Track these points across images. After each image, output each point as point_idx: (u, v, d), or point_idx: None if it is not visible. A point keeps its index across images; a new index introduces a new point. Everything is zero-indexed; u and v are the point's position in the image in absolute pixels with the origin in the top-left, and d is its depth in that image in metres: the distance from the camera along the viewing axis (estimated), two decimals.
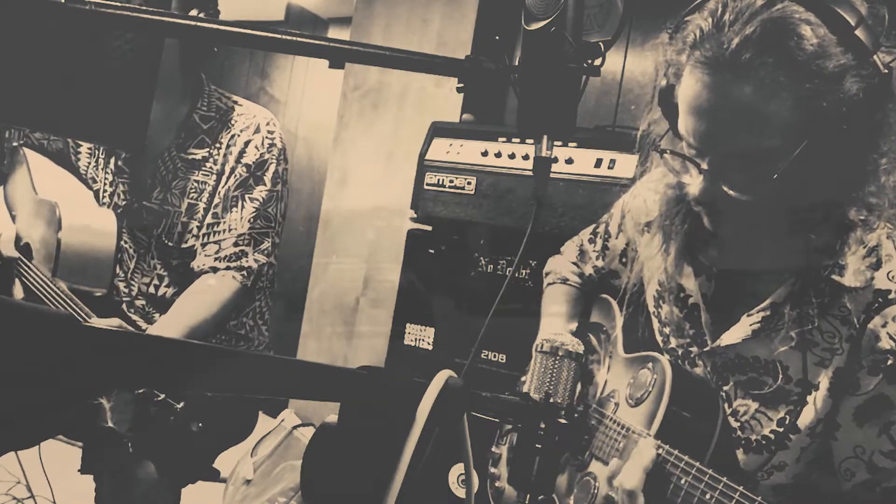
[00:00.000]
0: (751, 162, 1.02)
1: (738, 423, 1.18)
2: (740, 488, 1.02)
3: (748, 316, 1.17)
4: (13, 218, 1.88)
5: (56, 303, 1.63)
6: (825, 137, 0.99)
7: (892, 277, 1.08)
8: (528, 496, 0.92)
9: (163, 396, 1.47)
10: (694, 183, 1.09)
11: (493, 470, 1.47)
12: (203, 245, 1.73)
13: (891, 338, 1.06)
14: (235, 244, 1.71)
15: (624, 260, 1.48)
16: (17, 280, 1.77)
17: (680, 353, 1.29)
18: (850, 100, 0.97)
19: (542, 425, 0.89)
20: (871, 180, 1.04)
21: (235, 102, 1.82)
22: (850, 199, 1.05)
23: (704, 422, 1.17)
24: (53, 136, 1.89)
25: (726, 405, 1.21)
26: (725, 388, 1.21)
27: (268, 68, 4.63)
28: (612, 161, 1.95)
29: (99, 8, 0.77)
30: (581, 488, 1.25)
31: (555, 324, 1.52)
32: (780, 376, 1.15)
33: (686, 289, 1.27)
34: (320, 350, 3.30)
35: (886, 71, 0.98)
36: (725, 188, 1.05)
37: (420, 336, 2.20)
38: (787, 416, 1.14)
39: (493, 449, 1.50)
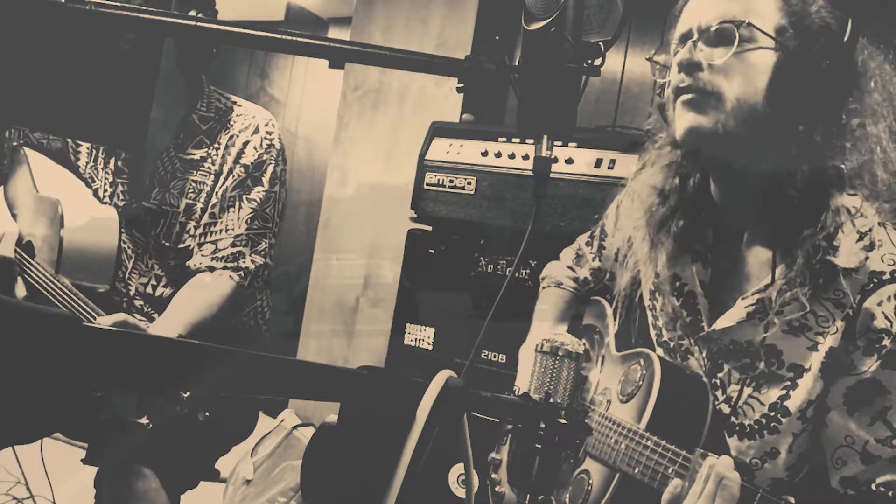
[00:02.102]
0: (729, 35, 1.11)
1: (731, 409, 1.19)
2: None
3: (743, 299, 1.19)
4: (14, 217, 1.88)
5: (60, 299, 1.64)
6: (808, 60, 1.09)
7: (886, 260, 1.10)
8: (528, 496, 0.92)
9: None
10: (674, 68, 1.17)
11: (493, 475, 1.48)
12: (199, 245, 1.73)
13: (886, 317, 1.08)
14: (233, 244, 1.71)
15: (619, 258, 1.49)
16: (19, 278, 1.78)
17: (672, 345, 1.30)
18: (825, 31, 1.09)
19: (542, 425, 0.89)
20: (846, 132, 1.12)
21: (234, 103, 1.82)
22: (829, 143, 1.12)
23: (694, 414, 1.18)
24: (53, 136, 1.89)
25: (720, 392, 1.22)
26: (720, 374, 1.22)
27: (268, 68, 4.63)
28: (612, 161, 1.95)
29: (99, 8, 0.77)
30: (575, 486, 1.25)
31: (544, 326, 1.54)
32: (773, 360, 1.16)
33: (683, 277, 1.29)
34: (320, 350, 3.30)
35: (841, 14, 1.11)
36: (704, 59, 1.13)
37: (420, 336, 2.20)
38: (779, 400, 1.15)
39: (494, 455, 1.50)
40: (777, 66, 1.10)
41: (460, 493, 1.95)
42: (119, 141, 1.34)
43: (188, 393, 1.47)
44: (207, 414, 1.49)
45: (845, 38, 1.10)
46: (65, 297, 1.63)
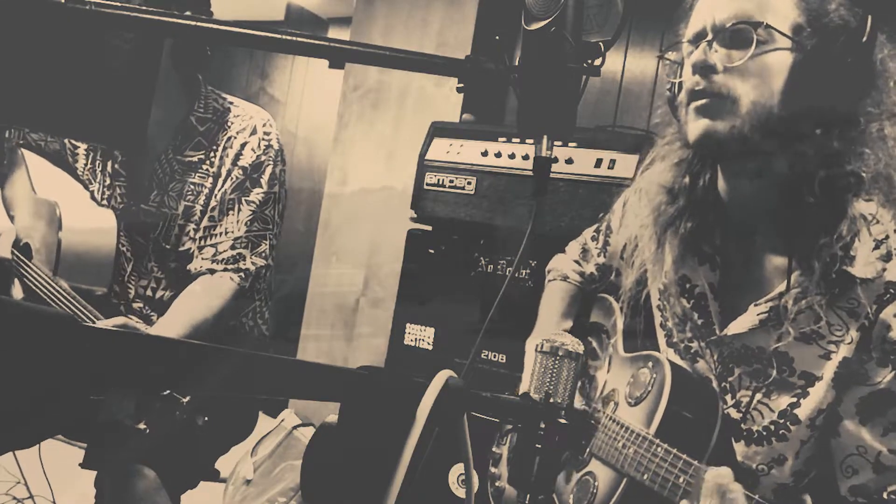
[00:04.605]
0: (745, 37, 1.08)
1: (741, 414, 1.19)
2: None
3: (756, 305, 1.18)
4: (11, 218, 1.87)
5: (58, 302, 1.63)
6: (826, 60, 1.06)
7: None
8: (528, 496, 0.92)
9: (168, 391, 1.46)
10: (687, 68, 1.14)
11: (493, 470, 1.47)
12: (200, 248, 1.73)
13: None
14: (232, 247, 1.70)
15: (625, 255, 1.48)
16: (16, 280, 1.77)
17: (681, 347, 1.29)
18: (844, 30, 1.06)
19: (542, 425, 0.89)
20: (864, 136, 1.09)
21: (231, 103, 1.80)
22: (847, 148, 1.09)
23: (704, 420, 1.17)
24: (51, 137, 1.88)
25: (729, 396, 1.21)
26: (730, 378, 1.21)
27: (268, 68, 4.63)
28: (612, 161, 1.95)
29: (99, 8, 0.77)
30: (580, 487, 1.25)
31: (550, 321, 1.53)
32: (785, 368, 1.15)
33: (692, 279, 1.28)
34: (320, 350, 3.30)
35: (860, 11, 1.08)
36: (719, 60, 1.10)
37: (420, 336, 2.20)
38: (789, 408, 1.15)
39: (494, 449, 1.50)
40: (794, 66, 1.07)
41: (460, 493, 1.95)
42: (119, 141, 1.33)
43: (187, 398, 1.47)
44: (207, 419, 1.49)
45: (864, 38, 1.07)
46: (63, 299, 1.63)
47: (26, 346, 0.55)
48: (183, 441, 1.55)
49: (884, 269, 1.08)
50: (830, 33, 1.07)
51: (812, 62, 1.07)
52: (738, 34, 1.09)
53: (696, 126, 1.13)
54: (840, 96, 1.08)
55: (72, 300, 1.62)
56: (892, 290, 1.07)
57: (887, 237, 1.10)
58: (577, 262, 1.61)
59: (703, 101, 1.11)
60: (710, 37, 1.11)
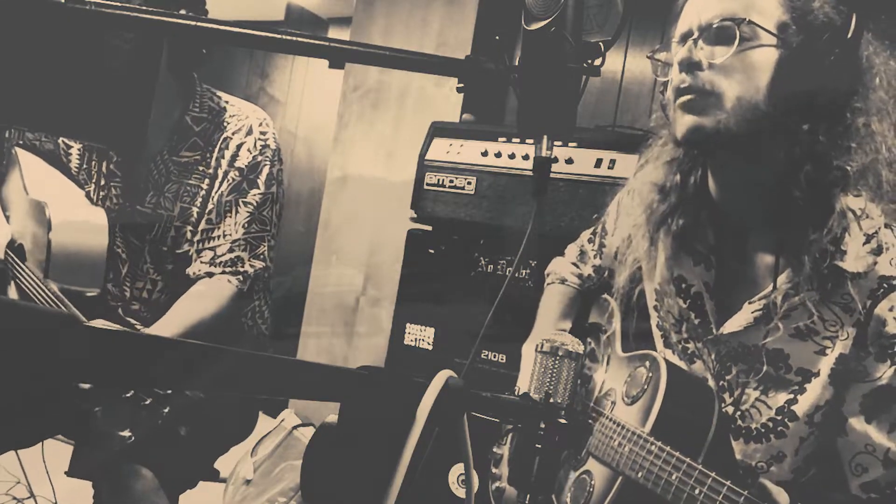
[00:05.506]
0: (729, 34, 1.10)
1: (739, 413, 1.19)
2: (728, 482, 1.01)
3: (749, 303, 1.18)
4: (8, 219, 1.86)
5: (45, 304, 1.62)
6: (812, 57, 1.07)
7: (895, 264, 1.09)
8: (528, 496, 0.92)
9: (149, 401, 1.45)
10: (674, 67, 1.16)
11: (494, 470, 1.48)
12: (198, 251, 1.71)
13: None
14: (230, 250, 1.69)
15: (619, 257, 1.49)
16: (12, 282, 1.76)
17: (679, 348, 1.30)
18: (829, 27, 1.07)
19: (542, 425, 0.89)
20: (850, 132, 1.10)
21: (227, 102, 1.78)
22: (833, 143, 1.09)
23: (700, 418, 1.17)
24: (45, 137, 1.86)
25: (727, 394, 1.21)
26: (728, 377, 1.22)
27: (268, 68, 4.63)
28: (612, 161, 1.95)
29: (99, 8, 0.77)
30: (577, 486, 1.25)
31: (547, 324, 1.53)
32: (781, 364, 1.16)
33: (687, 279, 1.28)
34: (320, 350, 3.30)
35: (845, 8, 1.09)
36: (704, 57, 1.12)
37: (420, 336, 2.20)
38: (786, 405, 1.15)
39: (495, 450, 1.50)
40: (779, 63, 1.09)
41: (460, 493, 1.95)
42: (118, 142, 1.33)
43: (167, 409, 1.46)
44: (187, 429, 1.48)
45: (849, 34, 1.08)
46: (49, 302, 1.61)
47: (26, 345, 0.55)
48: (181, 441, 1.55)
49: (875, 263, 1.09)
50: (815, 30, 1.08)
51: (797, 59, 1.08)
52: (723, 32, 1.11)
53: (683, 122, 1.14)
54: (826, 92, 1.09)
55: (58, 303, 1.60)
56: (885, 285, 1.08)
57: (877, 231, 1.10)
58: (574, 264, 1.61)
59: (689, 97, 1.13)
60: (695, 35, 1.13)
